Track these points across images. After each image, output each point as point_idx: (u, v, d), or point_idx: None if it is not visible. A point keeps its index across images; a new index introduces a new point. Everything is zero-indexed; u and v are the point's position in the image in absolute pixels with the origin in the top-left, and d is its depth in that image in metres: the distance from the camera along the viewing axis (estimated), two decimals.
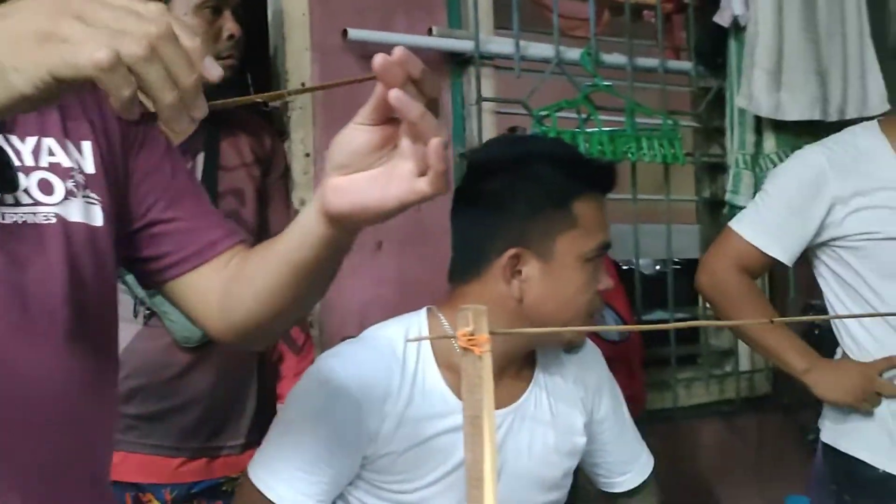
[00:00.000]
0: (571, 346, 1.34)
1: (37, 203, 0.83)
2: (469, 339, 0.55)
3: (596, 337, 1.90)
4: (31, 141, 0.85)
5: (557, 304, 1.25)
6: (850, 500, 1.72)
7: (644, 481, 1.50)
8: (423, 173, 0.74)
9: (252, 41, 1.78)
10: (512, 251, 1.24)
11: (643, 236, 2.43)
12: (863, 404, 1.69)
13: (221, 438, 1.70)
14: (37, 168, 0.85)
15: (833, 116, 2.33)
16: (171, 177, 0.96)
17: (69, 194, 0.85)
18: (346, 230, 0.81)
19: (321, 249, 0.83)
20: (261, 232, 1.78)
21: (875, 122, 1.78)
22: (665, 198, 2.46)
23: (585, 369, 1.41)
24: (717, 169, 2.60)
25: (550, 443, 1.33)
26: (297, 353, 1.82)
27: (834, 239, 1.71)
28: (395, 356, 1.24)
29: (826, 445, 1.77)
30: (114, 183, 0.91)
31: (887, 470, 1.67)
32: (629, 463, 1.49)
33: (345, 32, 2.00)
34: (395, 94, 0.69)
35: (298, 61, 1.99)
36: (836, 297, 1.75)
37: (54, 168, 0.85)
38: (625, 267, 2.81)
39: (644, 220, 2.47)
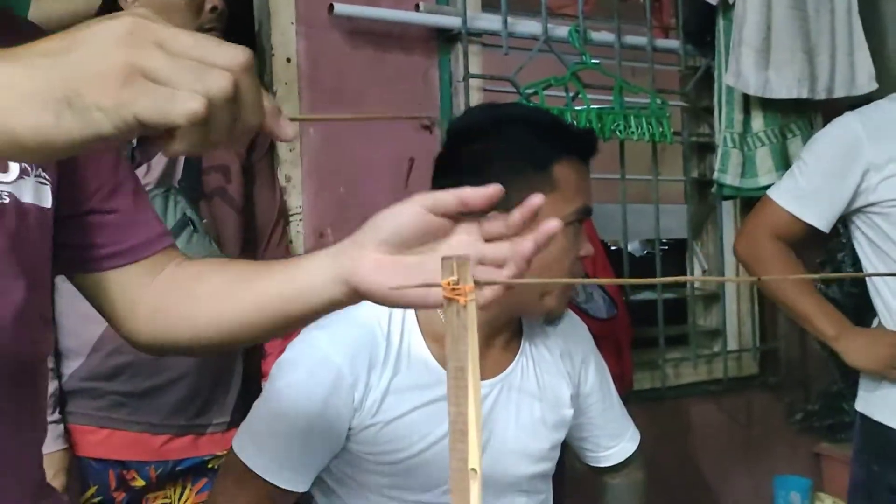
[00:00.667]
0: (552, 317, 1.33)
1: None
2: (453, 289, 0.54)
3: (584, 314, 1.89)
4: None
5: (538, 268, 1.24)
6: (879, 470, 1.74)
7: (630, 456, 1.50)
8: None
9: (237, 14, 1.76)
10: (491, 214, 1.23)
11: (631, 216, 2.42)
12: (891, 372, 1.71)
13: (207, 416, 1.69)
14: None
15: (821, 95, 2.32)
16: (113, 167, 0.92)
17: (23, 173, 0.81)
18: (360, 297, 0.78)
19: (322, 308, 0.80)
20: (246, 209, 1.76)
21: None
22: (653, 178, 2.45)
23: (572, 342, 1.40)
24: (705, 149, 2.60)
25: (538, 414, 1.32)
26: None
27: (868, 205, 1.72)
28: (379, 327, 1.23)
29: (860, 415, 1.79)
30: (63, 164, 0.87)
31: None
32: (616, 437, 1.48)
33: (331, 7, 1.98)
34: (553, 225, 0.73)
35: (284, 36, 1.97)
36: (870, 264, 1.77)
37: None
38: (613, 247, 2.80)
39: (632, 200, 2.46)
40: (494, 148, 1.24)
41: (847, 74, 2.35)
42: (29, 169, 0.82)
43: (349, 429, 1.23)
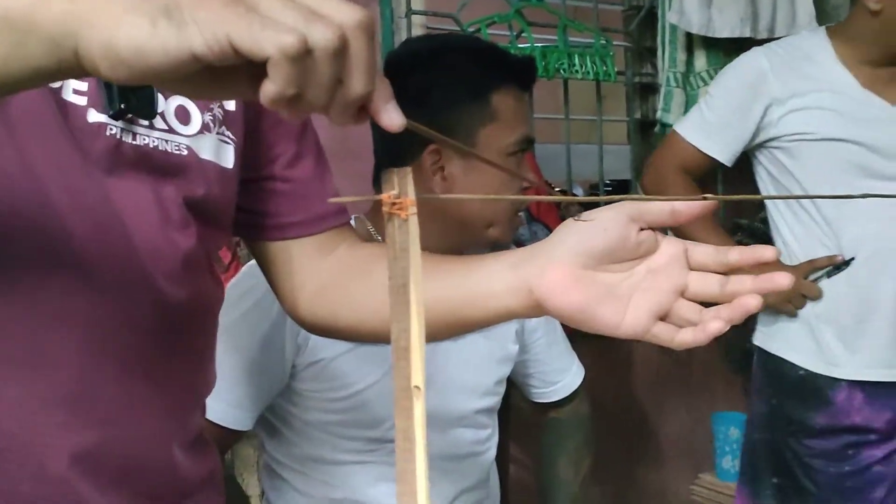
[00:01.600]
0: (496, 247, 1.32)
1: (171, 131, 0.76)
2: (394, 204, 0.53)
3: None
4: None
5: (482, 201, 1.23)
6: (777, 403, 1.78)
7: (575, 390, 1.51)
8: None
9: None
10: (432, 147, 1.22)
11: (575, 158, 2.41)
12: (787, 306, 1.74)
13: None
14: None
15: (762, 34, 2.33)
16: (299, 134, 0.89)
17: (204, 128, 0.78)
18: (542, 311, 0.71)
19: (498, 316, 0.75)
20: None
21: (823, 27, 1.82)
22: (597, 118, 2.45)
23: None
24: (648, 89, 2.59)
25: (483, 350, 1.32)
26: (223, 272, 1.78)
27: (770, 140, 1.74)
28: None
29: (759, 349, 1.83)
30: (250, 124, 0.84)
31: (809, 369, 1.73)
32: (560, 372, 1.49)
33: None
34: (784, 281, 0.65)
35: None
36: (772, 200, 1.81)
37: None
38: (557, 189, 2.80)
39: (575, 141, 2.45)
40: (432, 78, 1.22)
41: (788, 14, 2.36)
42: (211, 125, 0.79)
43: (293, 366, 1.21)
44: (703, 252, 0.69)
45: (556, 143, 2.40)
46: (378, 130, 1.30)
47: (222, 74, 0.51)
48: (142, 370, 0.76)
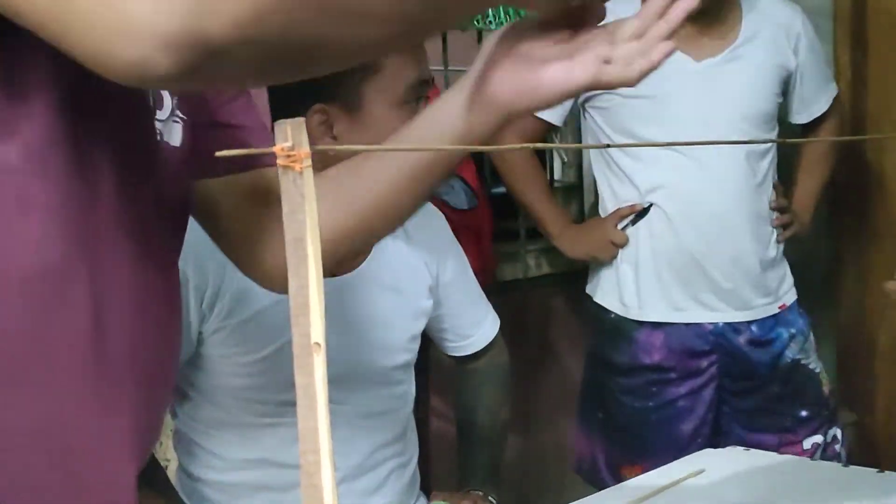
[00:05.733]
0: None
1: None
2: (288, 156, 0.51)
3: (443, 205, 1.88)
4: None
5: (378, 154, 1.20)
6: (595, 344, 1.96)
7: (492, 341, 1.51)
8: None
9: None
10: (317, 106, 1.17)
11: None
12: (600, 254, 1.88)
13: None
14: None
15: None
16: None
17: (171, 114, 0.79)
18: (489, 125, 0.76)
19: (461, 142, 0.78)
20: None
21: None
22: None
23: (429, 233, 1.39)
24: None
25: (396, 306, 1.31)
26: None
27: (588, 99, 1.85)
28: None
29: (588, 296, 1.97)
30: (196, 100, 0.83)
31: (617, 312, 1.88)
32: (475, 325, 1.49)
33: None
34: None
35: None
36: (592, 155, 1.95)
37: None
38: None
39: None
40: None
41: None
42: (174, 108, 0.79)
43: (199, 333, 1.19)
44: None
45: None
46: (269, 91, 1.25)
47: None
48: None
